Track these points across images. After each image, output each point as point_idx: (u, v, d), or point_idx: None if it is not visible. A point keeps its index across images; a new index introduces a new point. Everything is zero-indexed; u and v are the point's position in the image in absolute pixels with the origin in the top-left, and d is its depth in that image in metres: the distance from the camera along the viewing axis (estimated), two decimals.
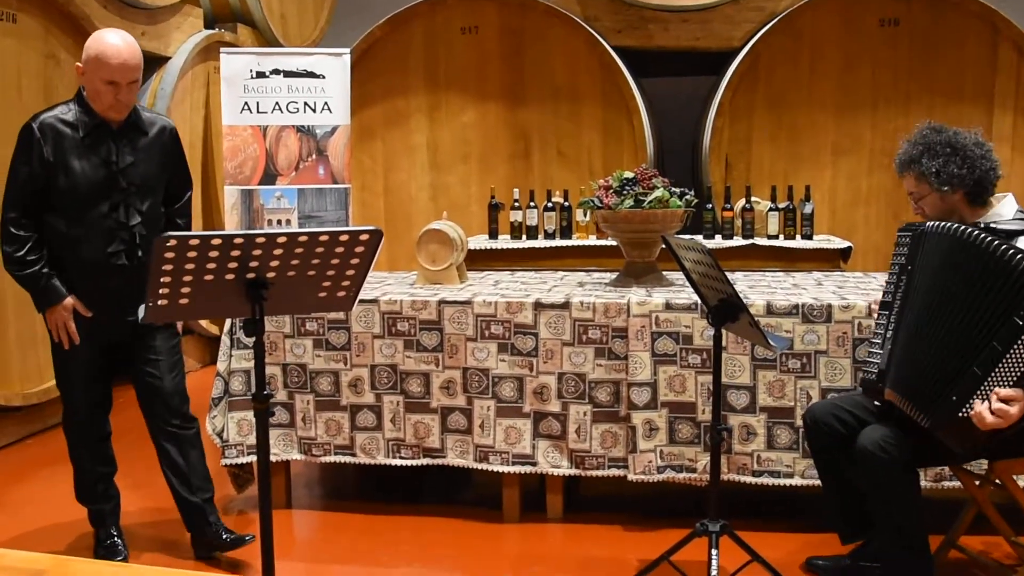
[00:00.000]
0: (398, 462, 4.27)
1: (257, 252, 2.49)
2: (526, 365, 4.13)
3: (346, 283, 2.70)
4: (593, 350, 4.09)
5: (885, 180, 7.02)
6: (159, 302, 2.56)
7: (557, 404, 4.14)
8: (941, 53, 6.95)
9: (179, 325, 3.96)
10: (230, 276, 2.54)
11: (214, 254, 2.46)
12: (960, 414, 2.92)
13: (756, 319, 3.21)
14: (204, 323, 7.56)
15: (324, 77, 6.78)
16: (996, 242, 2.93)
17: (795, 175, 7.06)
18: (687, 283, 4.31)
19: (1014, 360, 2.86)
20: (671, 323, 4.03)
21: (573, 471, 4.15)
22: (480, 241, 6.19)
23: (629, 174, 4.46)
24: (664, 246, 3.47)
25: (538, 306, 4.11)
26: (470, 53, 7.35)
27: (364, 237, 2.56)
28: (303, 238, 2.50)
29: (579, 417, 4.12)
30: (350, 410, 4.29)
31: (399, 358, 4.22)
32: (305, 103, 6.76)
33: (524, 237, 6.19)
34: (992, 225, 3.16)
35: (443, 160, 7.47)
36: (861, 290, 4.35)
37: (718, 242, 5.98)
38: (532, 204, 6.24)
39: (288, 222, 6.82)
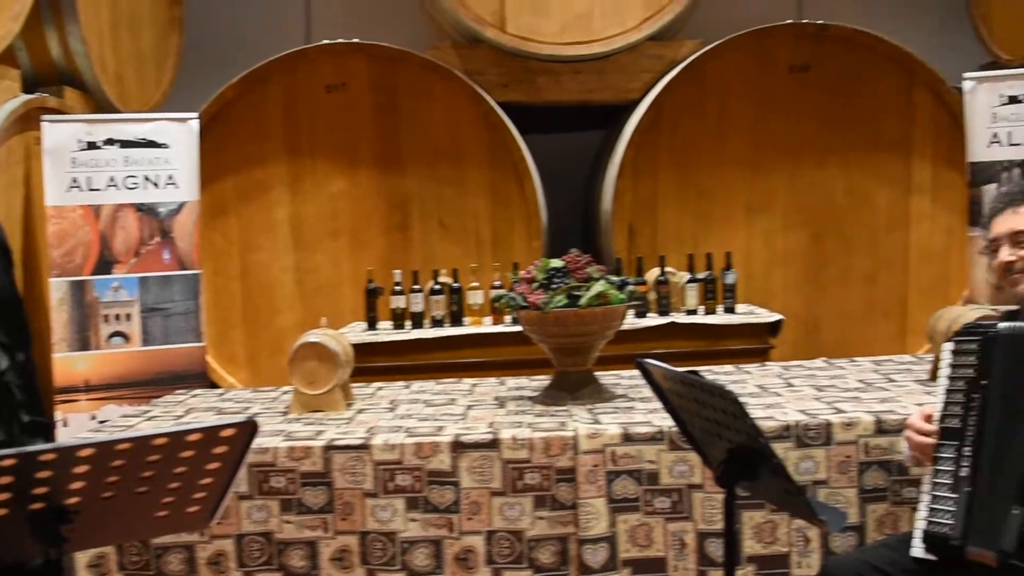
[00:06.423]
0: None
1: (45, 474, 1.49)
2: (444, 524, 3.16)
3: (200, 495, 1.71)
4: (531, 499, 3.16)
5: (802, 238, 6.33)
6: None
7: (487, 572, 3.17)
8: (855, 100, 6.34)
9: None
10: (3, 511, 1.53)
11: None
12: None
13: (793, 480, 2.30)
14: None
15: (168, 146, 5.88)
16: None
17: (706, 239, 6.33)
18: (644, 400, 3.48)
19: None
20: (631, 458, 3.13)
21: None
22: (358, 333, 5.28)
23: (557, 263, 3.59)
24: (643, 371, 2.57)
25: (457, 446, 3.16)
26: (337, 114, 6.39)
27: (227, 434, 1.58)
28: (124, 446, 1.50)
29: None
30: None
31: (274, 523, 3.18)
32: (146, 177, 5.85)
33: (409, 325, 5.33)
34: None
35: (309, 237, 6.45)
36: (840, 390, 3.59)
37: (632, 321, 5.20)
38: (416, 287, 5.37)
39: (128, 316, 5.90)
